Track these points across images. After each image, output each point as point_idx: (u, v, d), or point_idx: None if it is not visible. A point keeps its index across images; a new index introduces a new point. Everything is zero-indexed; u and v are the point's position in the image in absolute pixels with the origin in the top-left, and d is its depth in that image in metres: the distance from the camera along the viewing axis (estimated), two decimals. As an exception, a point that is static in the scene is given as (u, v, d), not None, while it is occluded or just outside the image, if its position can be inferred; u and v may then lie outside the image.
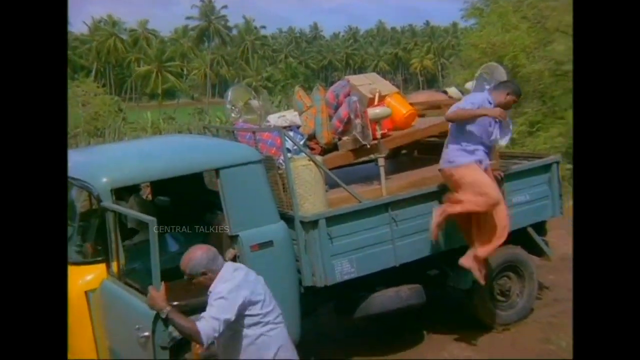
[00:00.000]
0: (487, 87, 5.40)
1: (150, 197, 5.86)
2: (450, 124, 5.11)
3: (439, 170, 5.18)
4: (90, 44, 71.71)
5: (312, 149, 5.40)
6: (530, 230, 5.85)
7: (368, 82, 5.99)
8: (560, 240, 7.12)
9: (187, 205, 5.38)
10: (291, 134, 5.20)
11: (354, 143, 5.27)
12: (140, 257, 4.47)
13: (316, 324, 5.62)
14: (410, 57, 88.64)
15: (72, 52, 60.68)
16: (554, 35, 12.68)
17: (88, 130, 22.83)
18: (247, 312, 3.25)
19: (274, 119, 5.76)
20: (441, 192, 5.24)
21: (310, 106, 5.63)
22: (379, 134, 5.27)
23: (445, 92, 6.70)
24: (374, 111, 5.30)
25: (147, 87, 69.48)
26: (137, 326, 3.54)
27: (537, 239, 5.92)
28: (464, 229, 5.22)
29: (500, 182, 5.23)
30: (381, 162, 5.25)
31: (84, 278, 4.19)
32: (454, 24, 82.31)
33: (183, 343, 3.82)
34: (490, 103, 5.00)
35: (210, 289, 3.29)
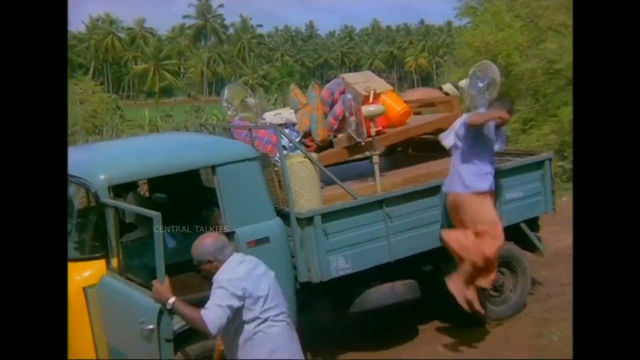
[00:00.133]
0: (481, 84, 5.45)
1: (147, 194, 5.89)
2: (455, 148, 5.19)
3: (450, 192, 5.12)
4: (88, 43, 71.64)
5: (307, 146, 5.44)
6: (523, 226, 5.90)
7: (363, 80, 6.04)
8: (553, 236, 7.19)
9: (184, 202, 5.40)
10: (287, 131, 5.23)
11: (349, 140, 5.32)
12: (137, 254, 4.51)
13: (312, 320, 5.66)
14: (405, 56, 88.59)
15: (70, 50, 60.35)
16: (547, 33, 12.73)
17: (86, 127, 22.74)
18: (247, 306, 3.29)
19: (270, 117, 5.78)
20: (436, 189, 5.28)
21: (305, 104, 5.68)
22: (373, 131, 5.32)
23: (441, 89, 6.76)
24: (368, 109, 5.34)
25: (144, 85, 69.45)
26: (140, 320, 3.54)
27: (530, 234, 5.98)
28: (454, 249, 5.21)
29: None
30: (376, 159, 5.29)
31: (81, 274, 4.17)
32: (449, 23, 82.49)
33: (183, 336, 3.86)
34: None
35: (214, 277, 3.36)
